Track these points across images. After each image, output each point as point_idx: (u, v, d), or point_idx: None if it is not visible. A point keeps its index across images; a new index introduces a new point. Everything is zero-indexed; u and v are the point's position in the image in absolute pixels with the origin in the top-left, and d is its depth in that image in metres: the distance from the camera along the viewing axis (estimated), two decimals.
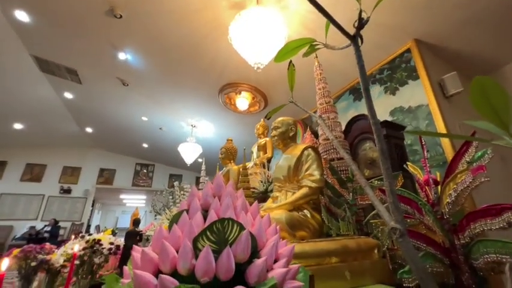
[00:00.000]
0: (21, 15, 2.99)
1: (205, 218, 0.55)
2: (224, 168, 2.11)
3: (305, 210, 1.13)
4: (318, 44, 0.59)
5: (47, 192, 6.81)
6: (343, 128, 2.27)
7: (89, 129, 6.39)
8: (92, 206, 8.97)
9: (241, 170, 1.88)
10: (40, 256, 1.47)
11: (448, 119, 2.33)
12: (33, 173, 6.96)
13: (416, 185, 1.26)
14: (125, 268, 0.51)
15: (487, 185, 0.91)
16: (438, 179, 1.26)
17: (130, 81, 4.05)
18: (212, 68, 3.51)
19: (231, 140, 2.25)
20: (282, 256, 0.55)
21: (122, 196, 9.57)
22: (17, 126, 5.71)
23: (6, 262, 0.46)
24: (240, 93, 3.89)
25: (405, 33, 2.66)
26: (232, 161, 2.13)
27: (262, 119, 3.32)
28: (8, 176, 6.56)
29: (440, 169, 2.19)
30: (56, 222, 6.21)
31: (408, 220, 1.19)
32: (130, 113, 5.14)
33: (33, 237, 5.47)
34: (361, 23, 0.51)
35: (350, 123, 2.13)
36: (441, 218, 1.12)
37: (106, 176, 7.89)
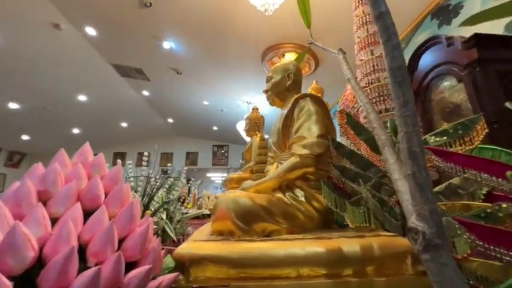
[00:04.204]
0: (90, 30, 3.56)
1: None
2: (248, 141, 1.87)
3: (297, 190, 0.77)
4: None
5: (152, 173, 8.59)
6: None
7: (170, 120, 7.45)
8: (188, 183, 10.86)
9: (258, 142, 1.60)
10: None
11: None
12: (143, 160, 8.86)
13: None
14: None
15: None
16: None
17: (181, 69, 4.29)
18: (247, 36, 3.20)
19: (257, 109, 1.97)
20: None
21: (208, 174, 11.02)
22: (124, 124, 7.29)
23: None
24: (283, 56, 3.41)
25: None
26: (258, 133, 1.86)
27: (314, 81, 2.80)
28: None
29: None
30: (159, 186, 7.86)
31: (505, 205, 0.63)
32: (192, 99, 5.56)
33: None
34: None
35: (416, 56, 1.41)
36: None
37: (191, 158, 9.19)
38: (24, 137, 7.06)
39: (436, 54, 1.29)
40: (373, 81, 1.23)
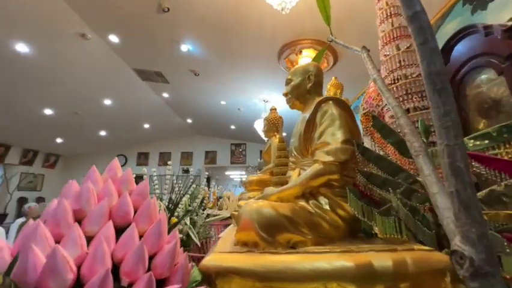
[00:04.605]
0: (113, 38, 3.73)
1: None
2: (267, 142, 1.86)
3: (321, 198, 0.74)
4: None
5: (174, 172, 8.94)
6: None
7: (189, 120, 7.64)
8: (208, 182, 11.14)
9: (277, 144, 1.58)
10: None
11: None
12: (165, 159, 9.25)
13: None
14: None
15: None
16: None
17: (199, 70, 4.36)
18: (263, 33, 3.16)
19: (275, 109, 1.95)
20: None
21: (227, 173, 11.19)
22: (146, 125, 7.60)
23: None
24: (300, 52, 3.34)
25: None
26: (276, 134, 1.84)
27: (333, 77, 2.72)
28: (151, 163, 9.06)
29: None
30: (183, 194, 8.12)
31: None
32: (210, 100, 5.66)
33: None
34: None
35: (447, 48, 1.30)
36: None
37: (210, 157, 9.40)
38: (59, 140, 7.62)
39: (472, 45, 1.18)
40: (399, 77, 1.16)
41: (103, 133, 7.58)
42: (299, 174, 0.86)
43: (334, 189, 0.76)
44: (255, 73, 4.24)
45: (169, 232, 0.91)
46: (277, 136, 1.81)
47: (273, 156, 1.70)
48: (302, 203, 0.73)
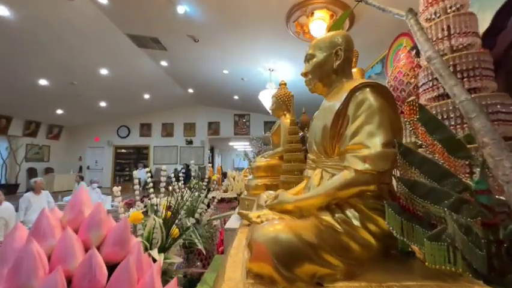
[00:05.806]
0: None
1: None
2: (276, 122, 1.69)
3: (349, 210, 0.61)
4: None
5: (178, 143, 8.92)
6: (483, 26, 1.16)
7: (190, 90, 7.33)
8: (212, 152, 11.18)
9: (288, 125, 1.40)
10: None
11: None
12: (168, 130, 9.18)
13: None
14: None
15: None
16: None
17: (198, 35, 3.98)
18: None
19: (284, 85, 1.72)
20: None
21: (230, 143, 11.17)
22: (146, 96, 7.34)
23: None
24: (311, 14, 2.94)
25: None
26: (286, 112, 1.65)
27: None
28: (154, 134, 9.02)
29: None
30: (187, 165, 8.21)
31: None
32: (212, 68, 5.30)
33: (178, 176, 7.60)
34: None
35: (505, 11, 1.04)
36: None
37: (213, 128, 9.28)
38: (59, 111, 7.48)
39: None
40: (445, 50, 0.93)
41: (103, 104, 7.38)
42: (321, 177, 0.71)
43: (367, 200, 0.62)
44: (260, 39, 3.84)
45: (168, 245, 0.80)
46: (288, 117, 1.62)
47: (283, 139, 1.54)
48: (327, 217, 0.60)
